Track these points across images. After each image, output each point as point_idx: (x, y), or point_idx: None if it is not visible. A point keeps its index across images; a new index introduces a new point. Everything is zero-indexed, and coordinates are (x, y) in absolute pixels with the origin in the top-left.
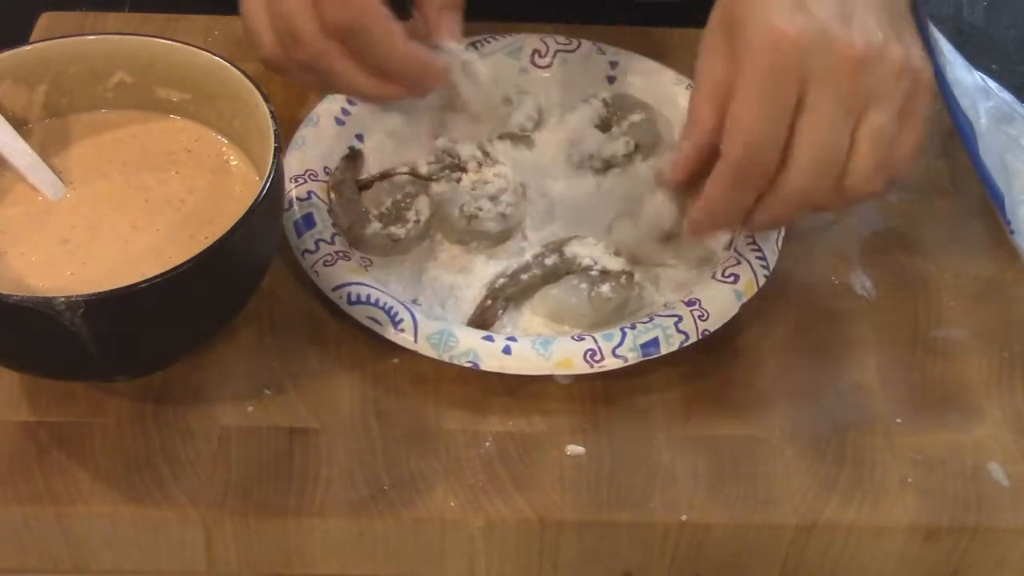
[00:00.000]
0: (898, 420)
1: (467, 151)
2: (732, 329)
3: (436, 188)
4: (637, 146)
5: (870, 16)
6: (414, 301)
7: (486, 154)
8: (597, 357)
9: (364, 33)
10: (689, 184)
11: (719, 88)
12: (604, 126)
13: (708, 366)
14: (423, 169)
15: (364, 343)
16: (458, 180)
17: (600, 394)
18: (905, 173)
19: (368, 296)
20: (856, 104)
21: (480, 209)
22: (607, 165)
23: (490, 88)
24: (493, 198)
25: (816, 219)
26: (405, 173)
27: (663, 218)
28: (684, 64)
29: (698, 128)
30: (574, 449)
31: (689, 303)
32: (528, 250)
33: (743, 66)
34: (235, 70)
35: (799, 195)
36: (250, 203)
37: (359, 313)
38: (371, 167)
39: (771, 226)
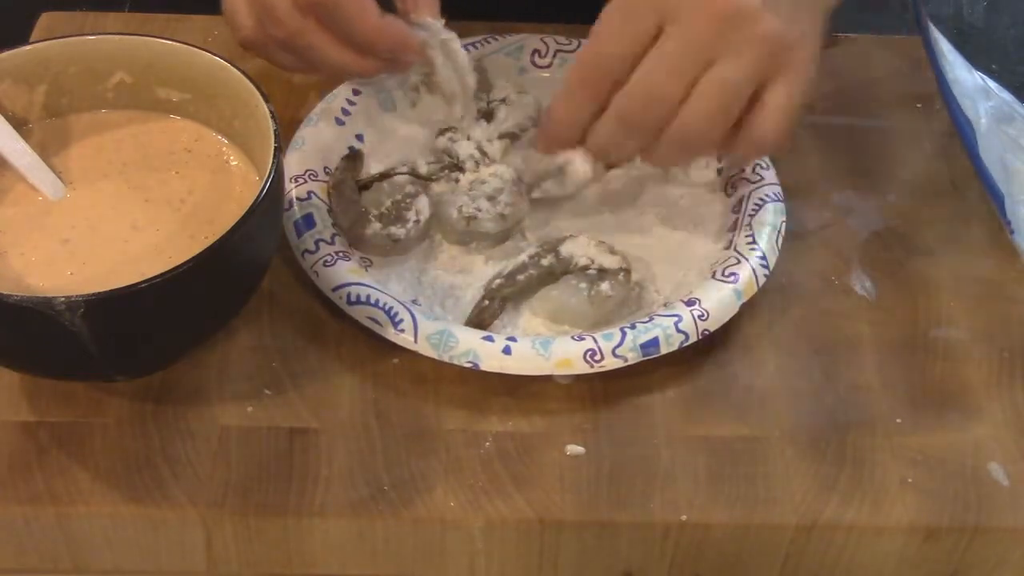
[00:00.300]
0: (898, 420)
1: (465, 150)
2: (732, 329)
3: (436, 188)
4: None
5: None
6: (414, 301)
7: (484, 154)
8: (597, 357)
9: (336, 8)
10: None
11: None
12: None
13: (708, 366)
14: (423, 169)
15: (364, 343)
16: (457, 180)
17: (600, 394)
18: (766, 142)
19: (368, 296)
20: (703, 53)
21: (479, 210)
22: (607, 165)
23: (466, 70)
24: (491, 198)
25: (814, 220)
26: (405, 173)
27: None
28: None
29: None
30: (574, 449)
31: (689, 303)
32: (528, 250)
33: None
34: (235, 70)
35: (624, 117)
36: (250, 203)
37: (359, 313)
38: (371, 167)
39: (603, 147)
